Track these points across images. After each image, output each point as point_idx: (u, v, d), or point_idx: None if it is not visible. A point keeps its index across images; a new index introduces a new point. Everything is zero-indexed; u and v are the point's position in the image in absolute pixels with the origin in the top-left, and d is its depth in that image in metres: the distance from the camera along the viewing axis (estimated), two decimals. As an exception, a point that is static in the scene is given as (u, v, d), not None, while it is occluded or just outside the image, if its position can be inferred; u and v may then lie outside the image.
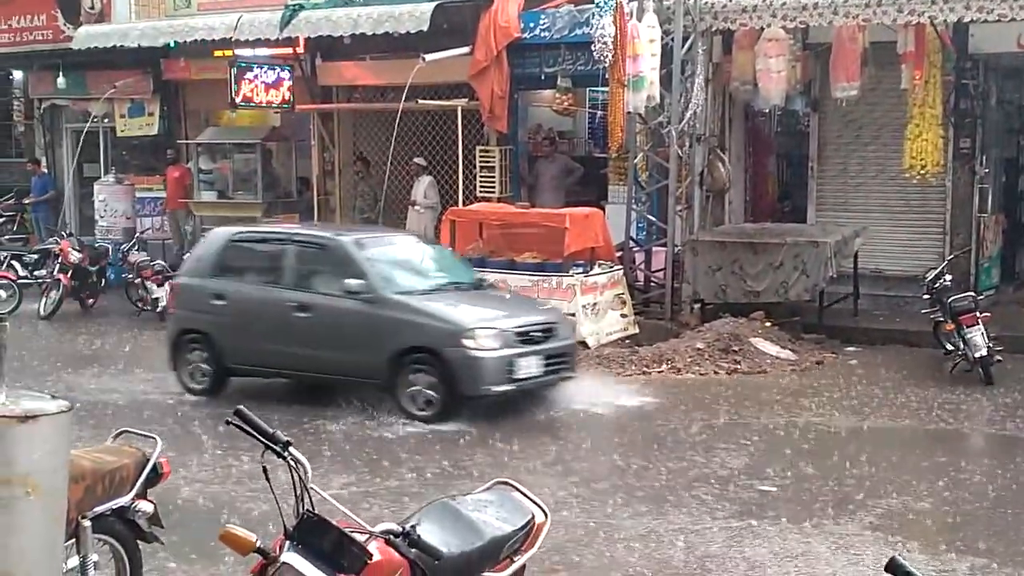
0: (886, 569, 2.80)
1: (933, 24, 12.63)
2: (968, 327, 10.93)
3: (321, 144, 17.64)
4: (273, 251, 11.12)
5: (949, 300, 11.31)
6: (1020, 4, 11.78)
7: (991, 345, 10.91)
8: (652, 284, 14.68)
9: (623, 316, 13.21)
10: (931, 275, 12.02)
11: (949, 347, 11.39)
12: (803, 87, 14.61)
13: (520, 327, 10.11)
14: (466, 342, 9.71)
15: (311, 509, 3.82)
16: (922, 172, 13.34)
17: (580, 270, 12.81)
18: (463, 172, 15.45)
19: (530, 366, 9.97)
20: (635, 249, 14.74)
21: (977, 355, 10.86)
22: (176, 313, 11.54)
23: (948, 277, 11.88)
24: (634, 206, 14.52)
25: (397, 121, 14.50)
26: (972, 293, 11.90)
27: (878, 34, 13.07)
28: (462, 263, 11.99)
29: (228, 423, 4.00)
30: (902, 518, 7.28)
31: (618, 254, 13.85)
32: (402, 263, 10.97)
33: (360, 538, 3.81)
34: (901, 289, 13.68)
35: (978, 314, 11.01)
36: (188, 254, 13.18)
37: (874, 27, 12.86)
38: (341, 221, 17.41)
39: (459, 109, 15.48)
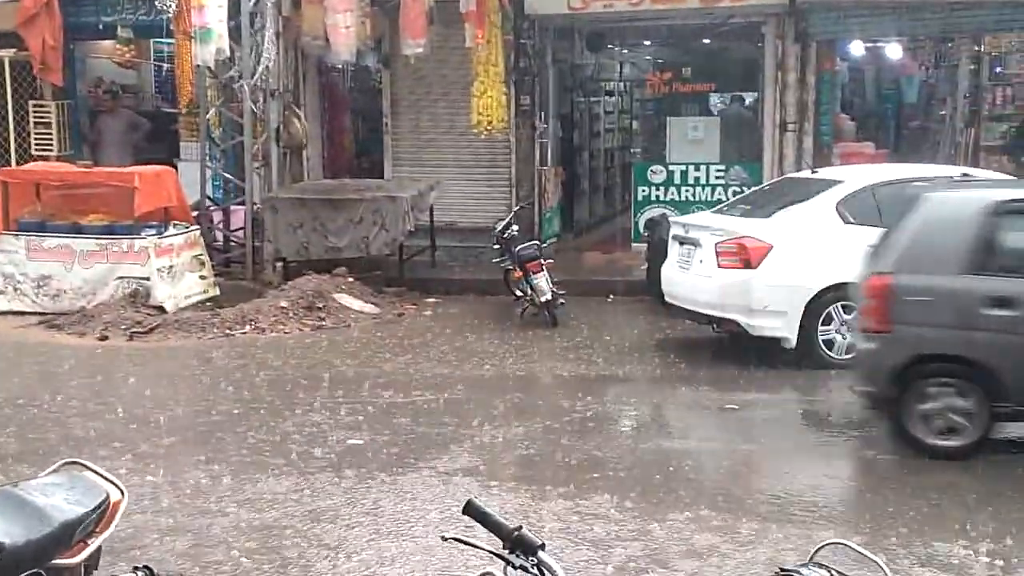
0: (463, 512, 2.89)
1: (492, -16, 13.24)
2: (534, 274, 11.68)
3: None
4: None
5: (517, 249, 12.03)
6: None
7: (555, 289, 11.74)
8: (232, 244, 14.35)
9: (202, 278, 12.79)
10: (500, 226, 12.70)
11: (519, 293, 12.11)
12: (374, 43, 14.79)
13: None
14: None
15: None
16: (488, 128, 14.00)
17: (153, 232, 12.27)
18: (15, 129, 14.21)
19: None
20: (212, 208, 14.30)
21: (543, 299, 11.64)
22: (899, 331, 7.51)
23: (515, 227, 12.61)
24: (209, 163, 14.05)
25: (-69, 72, 13.01)
26: (536, 241, 12.75)
27: (443, -8, 13.50)
28: None
29: None
30: (495, 460, 7.61)
31: (194, 214, 13.39)
32: None
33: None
34: (475, 240, 14.33)
35: (542, 261, 11.82)
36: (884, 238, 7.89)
37: (439, -15, 13.28)
38: None
39: (5, 60, 14.19)
